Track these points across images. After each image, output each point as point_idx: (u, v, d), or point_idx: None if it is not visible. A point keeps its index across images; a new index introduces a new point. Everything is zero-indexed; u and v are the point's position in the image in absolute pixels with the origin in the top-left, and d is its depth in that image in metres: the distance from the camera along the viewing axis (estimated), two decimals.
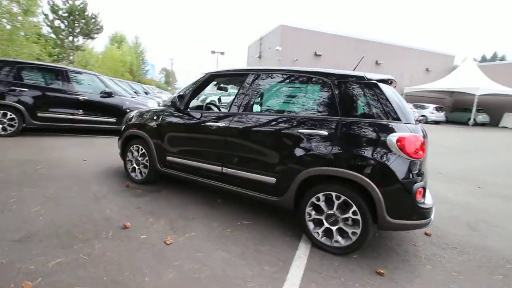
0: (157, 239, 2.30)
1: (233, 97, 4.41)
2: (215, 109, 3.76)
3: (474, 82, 18.67)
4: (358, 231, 2.16)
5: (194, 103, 3.52)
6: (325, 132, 2.27)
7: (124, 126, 3.80)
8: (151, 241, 2.25)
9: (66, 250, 2.02)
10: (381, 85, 2.27)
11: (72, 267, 1.84)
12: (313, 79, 2.50)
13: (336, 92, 2.34)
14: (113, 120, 6.86)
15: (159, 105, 7.37)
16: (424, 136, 2.17)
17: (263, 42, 23.44)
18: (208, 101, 12.22)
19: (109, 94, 6.67)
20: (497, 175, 5.68)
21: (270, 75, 2.75)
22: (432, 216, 2.17)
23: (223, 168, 2.81)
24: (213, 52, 33.21)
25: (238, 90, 2.86)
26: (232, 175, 2.77)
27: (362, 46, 21.91)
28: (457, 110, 23.20)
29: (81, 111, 6.42)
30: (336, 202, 2.24)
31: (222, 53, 33.64)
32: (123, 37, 35.88)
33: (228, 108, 2.91)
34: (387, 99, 2.20)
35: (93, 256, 1.98)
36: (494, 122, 21.66)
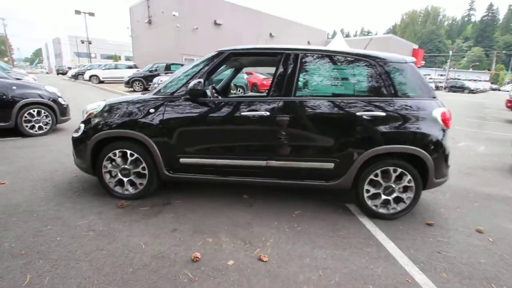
0: (248, 259, 1.93)
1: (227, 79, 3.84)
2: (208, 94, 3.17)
3: None
4: (412, 195, 2.53)
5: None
6: (382, 113, 2.40)
7: (86, 127, 2.67)
8: (246, 265, 1.88)
9: None
10: (414, 66, 2.56)
11: None
12: (359, 61, 2.51)
13: (384, 74, 2.47)
14: None
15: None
16: None
17: (151, 4, 20.18)
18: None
19: None
20: None
21: (311, 55, 2.55)
22: None
23: (268, 161, 2.53)
24: (78, 12, 25.87)
25: (276, 72, 2.53)
26: (279, 168, 2.55)
27: (259, 18, 22.64)
28: None
29: None
30: (394, 175, 2.50)
31: (91, 14, 26.74)
32: None
33: (268, 91, 2.54)
34: (423, 80, 2.53)
35: None
36: None
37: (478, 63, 68.34)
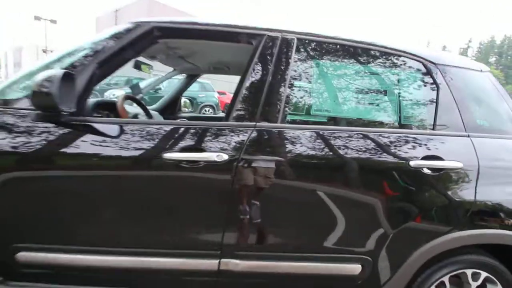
0: None
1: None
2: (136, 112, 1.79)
3: None
4: None
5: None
6: (458, 164, 1.20)
7: None
8: None
9: None
10: (494, 79, 1.45)
11: None
12: (406, 64, 1.32)
13: (449, 87, 1.30)
14: None
15: None
16: None
17: (120, 15, 18.79)
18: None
19: None
20: None
21: (315, 45, 1.31)
22: None
23: (223, 260, 1.16)
24: (37, 18, 23.10)
25: (245, 75, 1.23)
26: (244, 274, 1.19)
27: None
28: None
29: None
30: (474, 285, 1.26)
31: (53, 21, 24.12)
32: None
33: (228, 112, 1.22)
34: (507, 101, 1.41)
35: None
36: None
37: None
